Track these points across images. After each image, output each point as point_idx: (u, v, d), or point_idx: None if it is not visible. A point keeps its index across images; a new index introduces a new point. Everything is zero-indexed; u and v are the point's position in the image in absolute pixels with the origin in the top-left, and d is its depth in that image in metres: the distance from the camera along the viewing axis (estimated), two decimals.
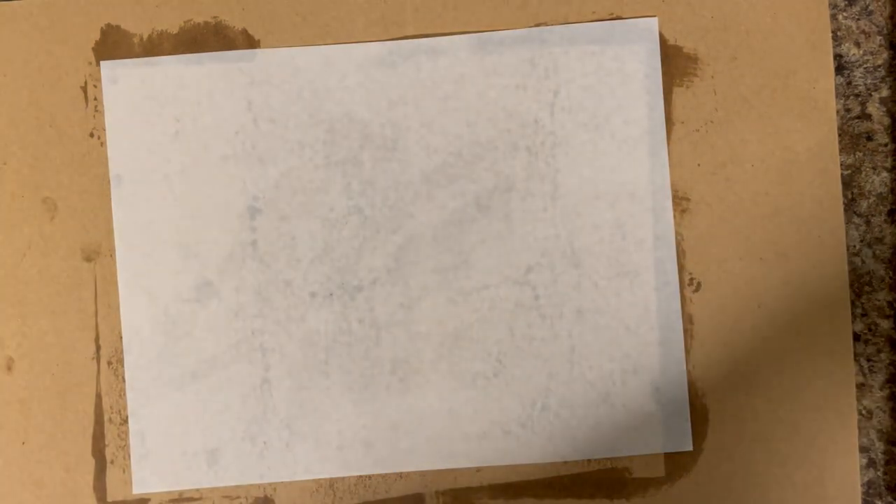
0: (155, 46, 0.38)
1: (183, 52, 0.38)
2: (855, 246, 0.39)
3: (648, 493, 0.38)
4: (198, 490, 0.38)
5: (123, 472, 0.37)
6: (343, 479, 0.38)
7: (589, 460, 0.38)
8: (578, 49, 0.38)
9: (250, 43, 0.38)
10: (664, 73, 0.38)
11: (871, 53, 0.39)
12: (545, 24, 0.38)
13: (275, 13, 0.38)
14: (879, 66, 0.39)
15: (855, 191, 0.39)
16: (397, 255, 0.38)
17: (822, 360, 0.38)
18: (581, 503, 0.38)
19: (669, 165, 0.38)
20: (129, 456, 0.37)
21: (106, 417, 0.38)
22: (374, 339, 0.38)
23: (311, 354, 0.38)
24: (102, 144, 0.38)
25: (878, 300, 0.39)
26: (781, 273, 0.38)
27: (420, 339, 0.38)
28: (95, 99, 0.38)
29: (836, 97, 0.39)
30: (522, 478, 0.38)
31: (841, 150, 0.39)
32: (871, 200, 0.39)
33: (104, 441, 0.37)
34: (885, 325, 0.39)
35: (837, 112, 0.39)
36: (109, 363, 0.38)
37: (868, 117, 0.39)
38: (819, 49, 0.38)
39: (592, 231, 0.38)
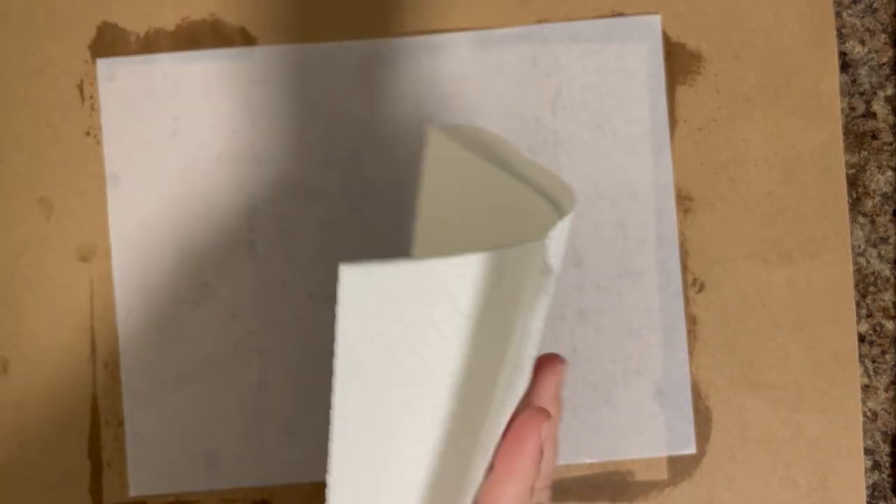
0: (152, 44, 0.38)
1: (180, 49, 0.38)
2: (860, 246, 0.39)
3: (651, 495, 0.37)
4: (195, 493, 0.37)
5: (120, 475, 0.37)
6: None
7: (591, 463, 0.37)
8: (580, 46, 0.38)
9: (248, 40, 0.38)
10: (667, 71, 0.38)
11: (876, 51, 0.39)
12: (547, 21, 0.38)
13: (272, 10, 0.38)
14: (884, 64, 0.39)
15: (860, 190, 0.39)
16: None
17: (827, 362, 0.37)
18: None
19: (672, 164, 0.38)
20: (126, 459, 0.37)
21: (102, 420, 0.37)
22: None
23: (308, 356, 0.37)
24: (98, 143, 0.38)
25: (884, 301, 0.39)
26: (785, 273, 0.37)
27: None
28: (91, 97, 0.38)
29: (841, 95, 0.38)
30: None
31: (845, 149, 0.39)
32: (876, 200, 0.39)
33: (100, 444, 0.37)
34: (890, 326, 0.39)
35: (842, 110, 0.38)
36: (105, 365, 0.37)
37: (873, 115, 0.39)
38: (823, 47, 0.38)
39: (594, 231, 0.38)
